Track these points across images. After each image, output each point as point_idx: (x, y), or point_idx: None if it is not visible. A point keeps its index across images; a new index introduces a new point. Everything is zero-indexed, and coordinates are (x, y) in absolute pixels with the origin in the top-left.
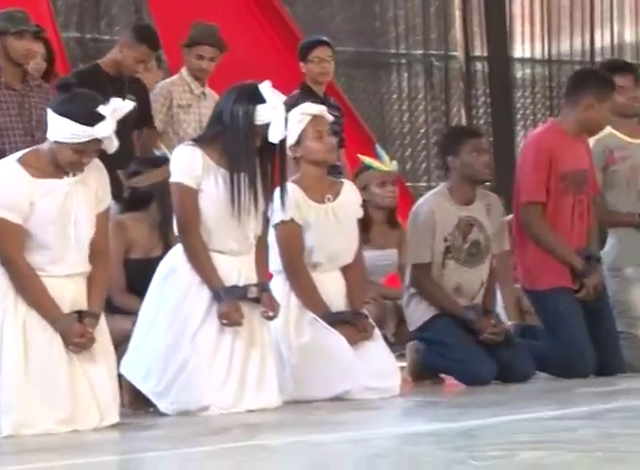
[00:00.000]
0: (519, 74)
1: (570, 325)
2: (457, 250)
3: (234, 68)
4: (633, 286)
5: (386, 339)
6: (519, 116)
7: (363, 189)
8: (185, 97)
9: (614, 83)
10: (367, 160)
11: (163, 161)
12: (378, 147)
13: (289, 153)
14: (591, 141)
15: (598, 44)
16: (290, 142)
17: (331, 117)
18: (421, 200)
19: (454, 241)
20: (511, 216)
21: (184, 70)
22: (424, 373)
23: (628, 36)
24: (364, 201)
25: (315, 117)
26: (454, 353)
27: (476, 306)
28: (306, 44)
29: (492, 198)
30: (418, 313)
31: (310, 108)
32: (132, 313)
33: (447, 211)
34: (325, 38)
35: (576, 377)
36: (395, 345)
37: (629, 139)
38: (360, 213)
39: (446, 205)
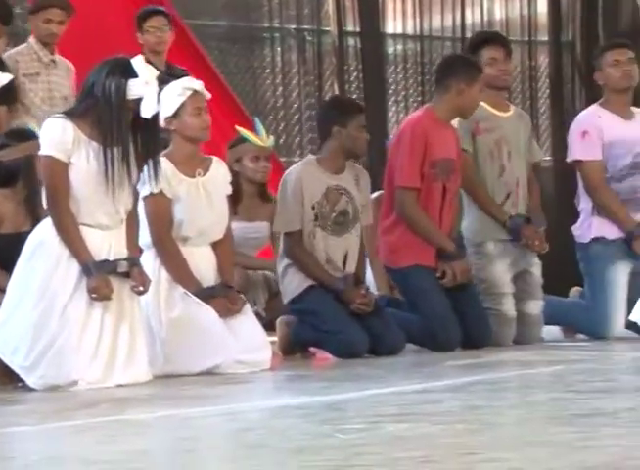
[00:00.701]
0: (391, 50)
1: (431, 301)
2: (324, 218)
3: (84, 34)
4: (495, 262)
5: (257, 314)
6: (390, 91)
7: (236, 161)
8: (33, 65)
9: (480, 66)
10: (244, 132)
11: (31, 135)
12: (257, 121)
13: (163, 125)
14: None
15: (469, 20)
16: (166, 114)
17: (209, 95)
18: (289, 169)
19: (321, 209)
20: (380, 193)
21: (32, 39)
22: (294, 347)
23: (498, 13)
24: (235, 173)
25: (195, 93)
26: (327, 325)
27: (348, 277)
28: (141, 14)
29: (360, 170)
30: (293, 285)
31: (192, 83)
32: (1, 290)
33: (316, 179)
34: (160, 7)
35: (442, 350)
36: (267, 319)
37: (496, 111)
38: (229, 190)
39: (315, 173)
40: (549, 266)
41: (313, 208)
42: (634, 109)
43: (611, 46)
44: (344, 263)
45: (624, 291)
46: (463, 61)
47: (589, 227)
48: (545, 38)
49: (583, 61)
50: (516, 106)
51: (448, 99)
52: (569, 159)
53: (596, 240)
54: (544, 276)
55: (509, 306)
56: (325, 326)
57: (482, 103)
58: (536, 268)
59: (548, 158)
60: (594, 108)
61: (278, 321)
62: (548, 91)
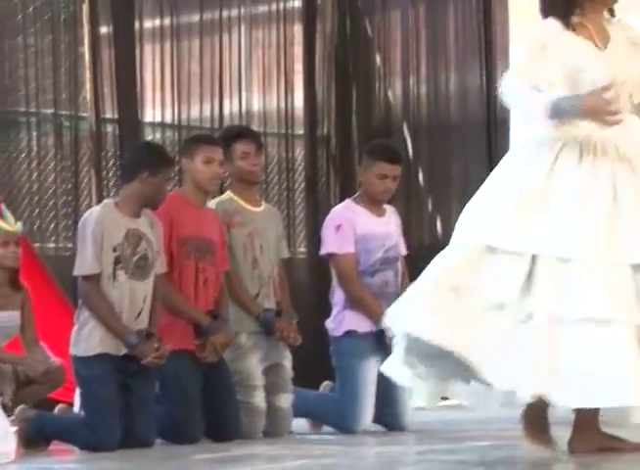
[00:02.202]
0: (149, 138)
1: (184, 388)
2: (127, 261)
3: None
4: (248, 354)
5: (4, 405)
6: None
7: None
8: None
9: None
10: None
11: None
12: (3, 206)
13: None
14: (212, 204)
15: (227, 111)
16: None
17: None
18: (86, 213)
19: (123, 252)
20: None
21: None
22: (37, 440)
23: (256, 104)
24: None
25: None
26: (89, 412)
27: (140, 332)
28: None
29: (153, 216)
30: (83, 345)
31: None
32: None
33: (116, 222)
34: None
35: (186, 442)
36: (12, 409)
37: (248, 206)
38: None
39: (114, 215)
40: (302, 360)
41: (115, 250)
42: (387, 207)
43: (384, 159)
44: (142, 309)
45: (373, 386)
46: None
47: (342, 321)
48: (301, 132)
49: (338, 155)
50: (272, 198)
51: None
52: (322, 252)
53: (348, 333)
54: (297, 369)
55: (260, 399)
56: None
57: (235, 197)
58: (287, 361)
59: (303, 250)
60: (348, 202)
61: (16, 414)
62: (304, 184)
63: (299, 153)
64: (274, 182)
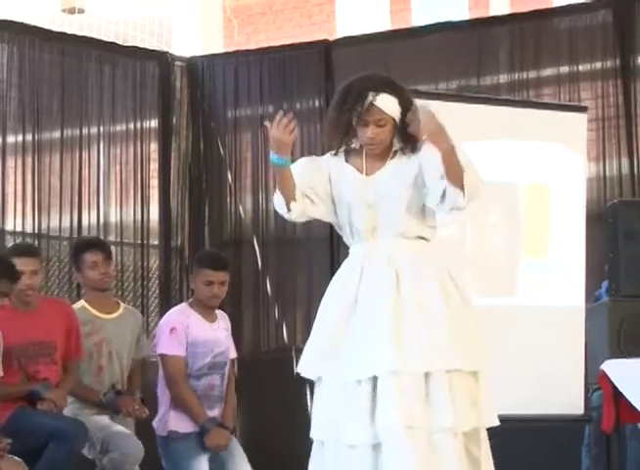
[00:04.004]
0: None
1: None
2: None
3: None
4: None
5: None
6: None
7: None
8: None
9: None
10: None
11: None
12: None
13: None
14: None
15: (85, 222)
16: None
17: None
18: None
19: None
20: None
21: None
22: None
23: (113, 216)
24: None
25: None
26: None
27: None
28: None
29: None
30: None
31: None
32: None
33: None
34: None
35: None
36: None
37: (99, 313)
38: None
39: None
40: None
41: None
42: (218, 312)
43: (209, 266)
44: None
45: None
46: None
47: (167, 421)
48: (157, 242)
49: (190, 264)
50: (128, 304)
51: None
52: (157, 352)
53: (173, 433)
54: None
55: None
56: None
57: (87, 305)
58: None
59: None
60: (183, 306)
61: None
62: (158, 291)
63: (154, 262)
64: (129, 289)
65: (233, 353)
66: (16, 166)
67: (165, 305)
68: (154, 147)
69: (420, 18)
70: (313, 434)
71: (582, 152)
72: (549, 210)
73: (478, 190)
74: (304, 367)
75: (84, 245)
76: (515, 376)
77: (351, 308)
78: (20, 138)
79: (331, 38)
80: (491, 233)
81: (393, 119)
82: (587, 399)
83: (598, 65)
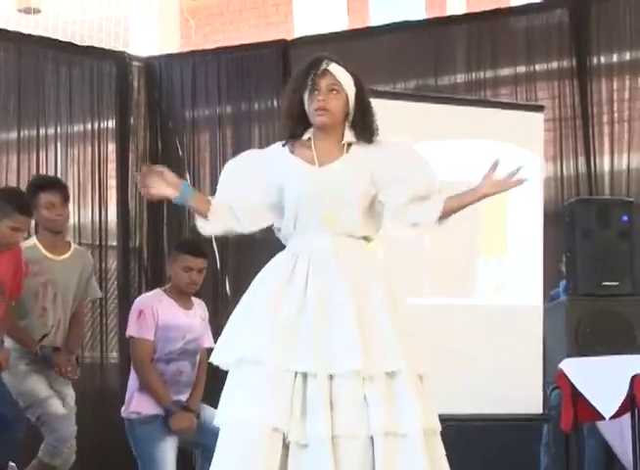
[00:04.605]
0: None
1: None
2: None
3: None
4: (28, 376)
5: None
6: None
7: None
8: None
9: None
10: None
11: None
12: None
13: None
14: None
15: None
16: None
17: None
18: None
19: None
20: None
21: None
22: None
23: (71, 217)
24: None
25: None
26: None
27: None
28: None
29: None
30: None
31: None
32: None
33: None
34: None
35: None
36: None
37: (49, 254)
38: None
39: None
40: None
41: None
42: (194, 299)
43: (189, 252)
44: None
45: (173, 465)
46: (3, 195)
47: (130, 402)
48: (115, 243)
49: (149, 265)
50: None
51: None
52: (126, 334)
53: (138, 415)
54: None
55: (57, 405)
56: None
57: (39, 244)
58: (71, 399)
59: (115, 355)
60: (157, 291)
61: None
62: (117, 292)
63: (112, 263)
64: None
65: (208, 343)
66: None
67: (124, 307)
68: (111, 147)
69: (377, 17)
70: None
71: (539, 151)
72: (507, 209)
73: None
74: (247, 350)
75: (41, 183)
76: (473, 375)
77: (301, 299)
78: None
79: (288, 38)
80: (449, 232)
81: (346, 97)
82: (546, 398)
83: (554, 64)
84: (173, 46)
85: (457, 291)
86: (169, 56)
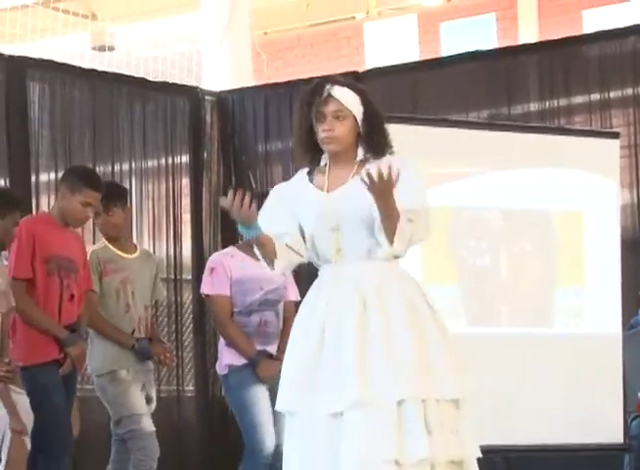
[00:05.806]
0: None
1: (52, 400)
2: None
3: None
4: (131, 387)
5: None
6: None
7: None
8: None
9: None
10: None
11: None
12: None
13: None
14: (88, 251)
15: None
16: None
17: None
18: None
19: None
20: None
21: None
22: None
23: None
24: None
25: None
26: None
27: None
28: None
29: None
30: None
31: None
32: None
33: None
34: None
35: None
36: None
37: (122, 253)
38: None
39: None
40: None
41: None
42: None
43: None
44: None
45: (269, 411)
46: (74, 171)
47: (222, 358)
48: (189, 277)
49: None
50: (163, 338)
51: (58, 203)
52: (201, 291)
53: (230, 368)
54: None
55: (148, 423)
56: None
57: (109, 245)
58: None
59: (191, 388)
60: (229, 248)
61: None
62: (192, 326)
63: (188, 296)
64: (164, 324)
65: (293, 296)
66: (49, 205)
67: (199, 340)
68: (185, 182)
69: (448, 47)
70: None
71: (615, 178)
72: (583, 237)
73: (406, 249)
74: (280, 403)
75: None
76: (552, 405)
77: (319, 339)
78: (52, 176)
79: (360, 70)
80: (526, 262)
81: (354, 118)
82: (626, 428)
83: (629, 91)
84: (245, 80)
85: (535, 320)
86: (242, 90)
